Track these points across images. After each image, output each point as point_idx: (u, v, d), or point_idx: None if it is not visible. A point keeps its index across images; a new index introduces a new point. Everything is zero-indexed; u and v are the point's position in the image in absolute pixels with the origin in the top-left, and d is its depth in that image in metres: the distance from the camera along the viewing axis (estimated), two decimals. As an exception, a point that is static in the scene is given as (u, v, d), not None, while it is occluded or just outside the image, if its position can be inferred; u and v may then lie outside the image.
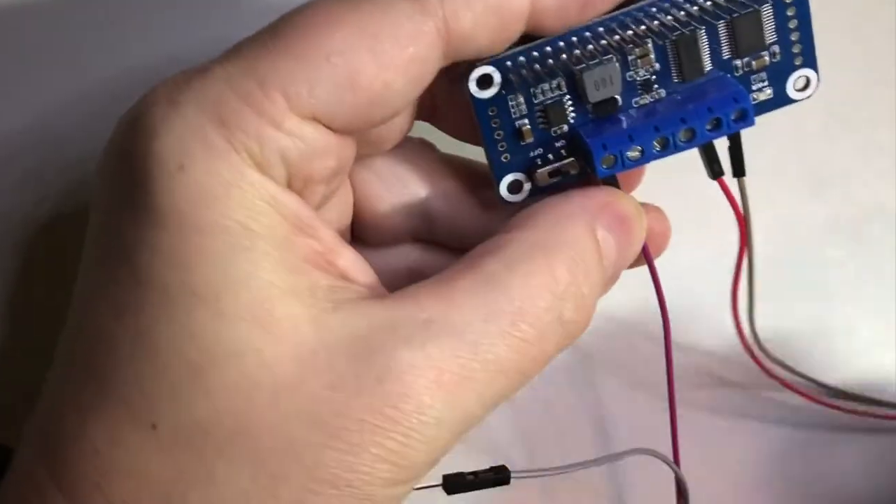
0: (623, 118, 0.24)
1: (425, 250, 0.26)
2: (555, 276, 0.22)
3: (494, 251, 0.22)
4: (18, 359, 0.30)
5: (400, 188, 0.25)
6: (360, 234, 0.26)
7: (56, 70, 0.33)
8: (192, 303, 0.20)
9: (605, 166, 0.23)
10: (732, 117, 0.23)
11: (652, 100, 0.24)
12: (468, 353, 0.21)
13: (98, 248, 0.21)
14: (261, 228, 0.20)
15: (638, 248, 0.24)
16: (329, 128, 0.21)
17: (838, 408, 0.31)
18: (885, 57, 0.34)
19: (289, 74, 0.20)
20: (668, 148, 0.23)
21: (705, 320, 0.31)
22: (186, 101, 0.20)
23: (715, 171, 0.24)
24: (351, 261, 0.22)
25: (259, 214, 0.20)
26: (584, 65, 0.23)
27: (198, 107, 0.20)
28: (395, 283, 0.25)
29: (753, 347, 0.30)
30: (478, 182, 0.26)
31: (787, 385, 0.30)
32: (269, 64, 0.20)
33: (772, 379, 0.30)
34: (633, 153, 0.23)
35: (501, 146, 0.24)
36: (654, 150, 0.23)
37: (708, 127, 0.23)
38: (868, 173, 0.33)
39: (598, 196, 0.24)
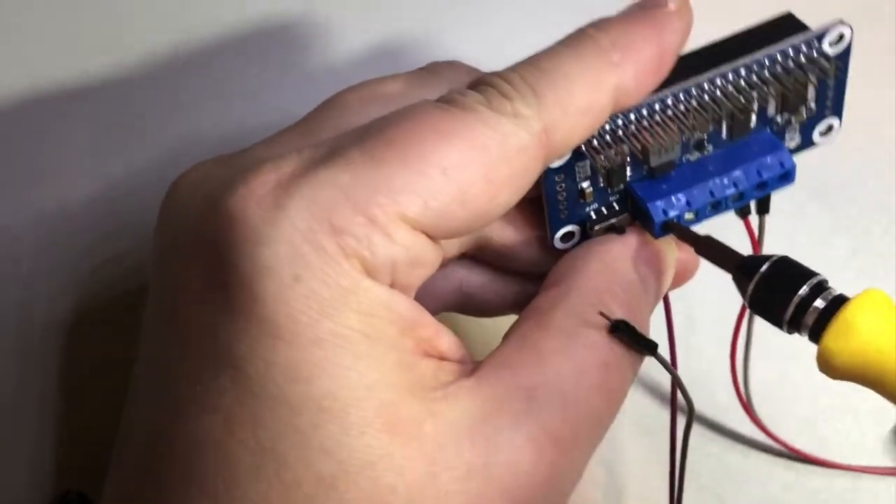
0: (674, 175, 0.25)
1: (471, 267, 0.27)
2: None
3: (558, 305, 0.23)
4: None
5: None
6: None
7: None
8: (318, 416, 0.20)
9: (663, 230, 0.24)
10: (777, 178, 0.25)
11: (701, 155, 0.25)
12: (573, 413, 0.22)
13: (186, 349, 0.21)
14: (377, 334, 0.20)
15: (671, 277, 0.26)
16: (431, 237, 0.21)
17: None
18: (886, 57, 0.35)
19: (403, 185, 0.20)
20: (719, 209, 0.25)
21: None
22: (295, 204, 0.20)
23: (743, 212, 0.26)
24: (449, 342, 0.22)
25: (374, 320, 0.20)
26: (650, 135, 0.23)
27: (309, 212, 0.20)
28: (446, 301, 0.27)
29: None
30: (530, 208, 0.26)
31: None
32: (383, 172, 0.20)
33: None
34: (689, 216, 0.24)
35: (562, 205, 0.24)
36: (707, 212, 0.24)
37: (756, 189, 0.24)
38: (868, 173, 0.34)
39: (632, 236, 0.25)
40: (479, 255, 0.26)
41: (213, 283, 0.20)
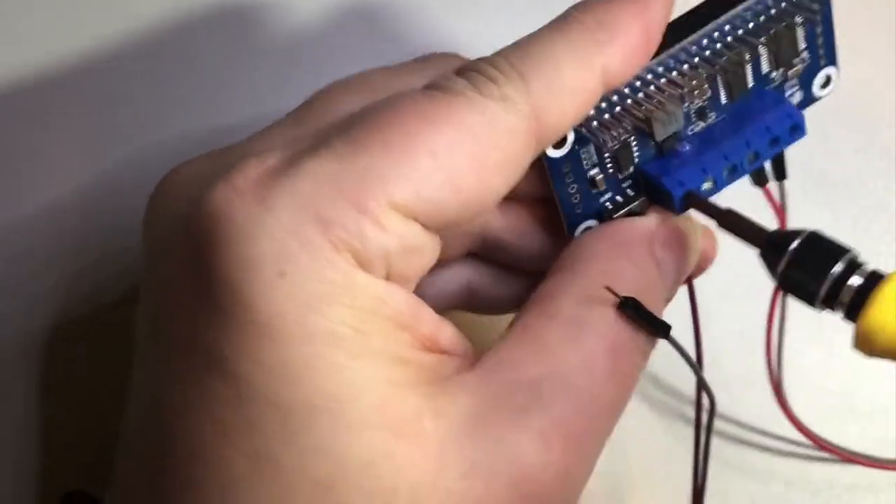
0: (682, 149, 0.24)
1: (479, 266, 0.26)
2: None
3: (563, 292, 0.22)
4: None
5: None
6: None
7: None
8: (311, 417, 0.19)
9: (683, 203, 0.23)
10: (788, 131, 0.24)
11: (705, 125, 0.24)
12: (582, 404, 0.21)
13: (176, 353, 0.20)
14: (372, 329, 0.19)
15: (695, 260, 0.25)
16: (425, 226, 0.20)
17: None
18: (886, 57, 0.34)
19: (392, 171, 0.19)
20: (736, 173, 0.24)
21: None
22: (279, 198, 0.19)
23: (760, 179, 0.25)
24: (450, 336, 0.21)
25: (369, 315, 0.19)
26: (649, 105, 0.23)
27: (294, 205, 0.19)
28: (453, 300, 0.26)
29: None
30: (539, 203, 0.25)
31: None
32: (371, 160, 0.19)
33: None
34: (707, 184, 0.23)
35: (575, 198, 0.23)
36: (724, 178, 0.23)
37: (770, 146, 0.24)
38: (868, 173, 0.34)
39: (650, 216, 0.24)
40: (487, 253, 0.25)
41: (199, 284, 0.19)
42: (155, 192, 0.22)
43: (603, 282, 0.22)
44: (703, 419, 0.25)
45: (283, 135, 0.22)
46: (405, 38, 0.34)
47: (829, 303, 0.21)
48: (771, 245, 0.22)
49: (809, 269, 0.21)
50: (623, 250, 0.23)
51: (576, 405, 0.20)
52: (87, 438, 0.29)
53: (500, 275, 0.26)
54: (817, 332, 0.30)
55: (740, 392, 0.31)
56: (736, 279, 0.29)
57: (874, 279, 0.20)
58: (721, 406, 0.25)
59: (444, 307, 0.26)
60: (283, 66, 0.33)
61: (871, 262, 0.21)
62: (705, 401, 0.23)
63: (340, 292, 0.19)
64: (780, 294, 0.28)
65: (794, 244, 0.21)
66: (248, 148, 0.21)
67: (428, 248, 0.21)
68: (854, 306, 0.20)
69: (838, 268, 0.21)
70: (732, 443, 0.32)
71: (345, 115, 0.21)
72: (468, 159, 0.20)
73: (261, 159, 0.20)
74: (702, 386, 0.22)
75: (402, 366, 0.20)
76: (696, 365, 0.22)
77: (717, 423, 0.32)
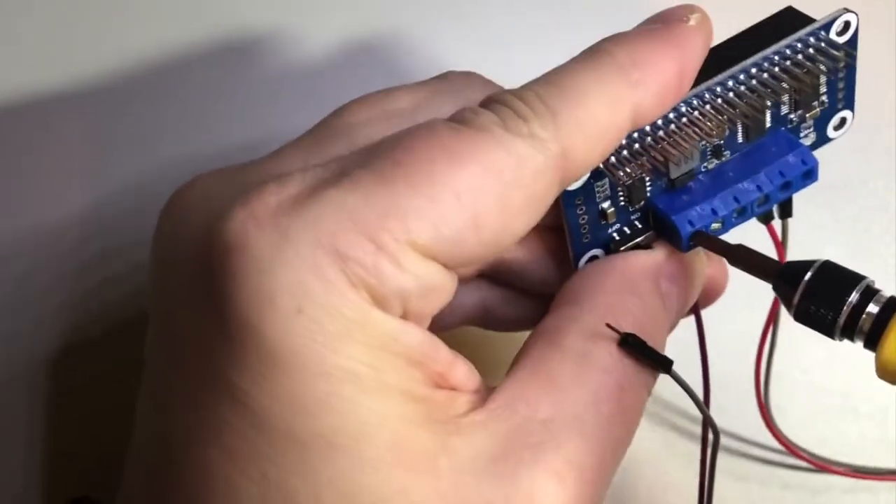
0: (694, 185, 0.24)
1: (491, 286, 0.26)
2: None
3: (570, 326, 0.22)
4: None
5: None
6: None
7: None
8: (327, 451, 0.19)
9: (691, 242, 0.23)
10: (801, 177, 0.24)
11: (719, 162, 0.24)
12: (593, 441, 0.21)
13: (188, 380, 0.20)
14: (387, 366, 0.19)
15: (699, 290, 0.25)
16: (444, 265, 0.20)
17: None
18: (886, 57, 0.34)
19: (414, 210, 0.19)
20: (745, 215, 0.24)
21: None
22: (299, 230, 0.19)
23: (766, 217, 0.25)
24: (464, 373, 0.21)
25: (384, 352, 0.19)
26: (668, 145, 0.22)
27: (313, 238, 0.19)
28: (467, 316, 0.26)
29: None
30: (550, 230, 0.25)
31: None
32: (393, 196, 0.19)
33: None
34: (716, 225, 0.23)
35: (584, 229, 0.23)
36: (733, 220, 0.23)
37: (780, 191, 0.24)
38: (868, 173, 0.34)
39: (658, 250, 0.24)
40: (498, 276, 0.25)
41: (213, 313, 0.19)
42: (167, 207, 0.22)
43: (608, 317, 0.22)
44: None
45: (303, 158, 0.21)
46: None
47: (848, 333, 0.21)
48: (784, 278, 0.22)
49: (825, 299, 0.21)
50: (629, 285, 0.23)
51: (587, 443, 0.21)
52: (92, 445, 0.29)
53: (512, 296, 0.26)
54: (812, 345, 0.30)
55: (738, 404, 0.31)
56: (735, 289, 0.30)
57: (892, 306, 0.20)
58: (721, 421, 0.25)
59: (459, 324, 0.26)
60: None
61: (872, 263, 0.21)
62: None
63: (355, 329, 0.19)
64: (777, 308, 0.29)
65: (808, 275, 0.21)
66: (267, 169, 0.21)
67: (446, 287, 0.20)
68: (874, 335, 0.20)
69: (854, 296, 0.21)
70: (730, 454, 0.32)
71: (367, 141, 0.21)
72: (492, 200, 0.19)
73: (281, 185, 0.19)
74: (707, 422, 0.22)
75: (415, 402, 0.20)
76: (700, 401, 0.22)
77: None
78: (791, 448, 0.31)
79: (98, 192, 0.31)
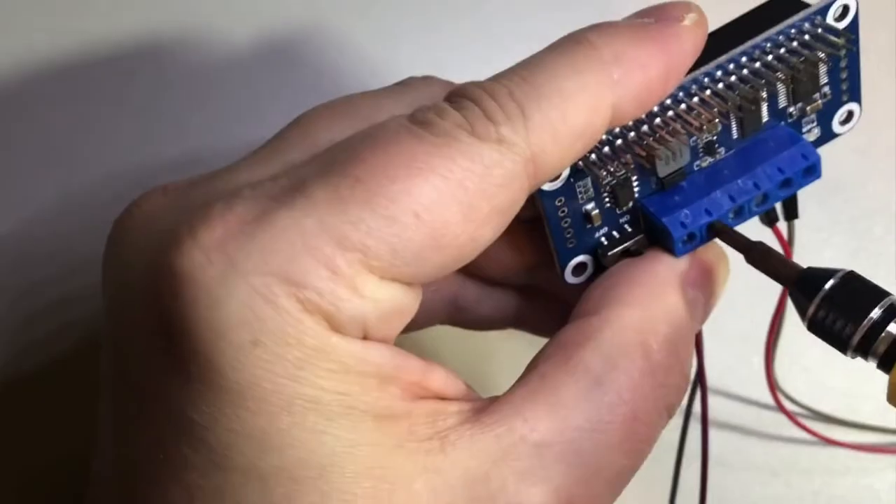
0: (687, 185, 0.22)
1: (464, 281, 0.25)
2: (659, 362, 0.21)
3: (589, 342, 0.20)
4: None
5: None
6: None
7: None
8: (291, 486, 0.18)
9: (684, 245, 0.22)
10: (801, 174, 0.22)
11: (713, 160, 0.22)
12: (593, 475, 0.19)
13: (144, 416, 0.19)
14: (356, 389, 0.18)
15: (722, 292, 0.23)
16: (407, 284, 0.19)
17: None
18: (886, 57, 0.33)
19: (369, 233, 0.18)
20: (743, 215, 0.22)
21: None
22: (248, 259, 0.18)
23: (770, 218, 0.23)
24: (441, 378, 0.20)
25: (350, 375, 0.18)
26: (652, 141, 0.21)
27: (264, 266, 0.18)
28: (438, 315, 0.25)
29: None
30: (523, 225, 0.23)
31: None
32: (348, 217, 0.18)
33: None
34: (710, 226, 0.22)
35: (568, 233, 0.22)
36: (730, 220, 0.22)
37: (780, 188, 0.22)
38: (868, 174, 0.33)
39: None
40: (471, 269, 0.23)
41: (166, 348, 0.18)
42: (113, 232, 0.20)
43: (634, 332, 0.20)
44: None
45: (259, 169, 0.20)
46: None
47: (862, 351, 0.19)
48: (802, 284, 0.20)
49: (843, 312, 0.19)
50: (653, 296, 0.21)
51: (581, 475, 0.19)
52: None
53: (486, 289, 0.25)
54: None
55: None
56: (738, 280, 0.29)
57: None
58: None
59: (430, 323, 0.25)
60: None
61: (872, 263, 0.19)
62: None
63: (316, 356, 0.18)
64: (785, 298, 0.27)
65: (829, 284, 0.19)
66: (215, 188, 0.20)
67: (407, 305, 0.19)
68: (889, 358, 0.19)
69: (876, 313, 0.19)
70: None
71: (326, 145, 0.20)
72: (455, 213, 0.18)
73: (228, 206, 0.18)
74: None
75: (391, 422, 0.18)
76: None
77: (718, 424, 0.32)
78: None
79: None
